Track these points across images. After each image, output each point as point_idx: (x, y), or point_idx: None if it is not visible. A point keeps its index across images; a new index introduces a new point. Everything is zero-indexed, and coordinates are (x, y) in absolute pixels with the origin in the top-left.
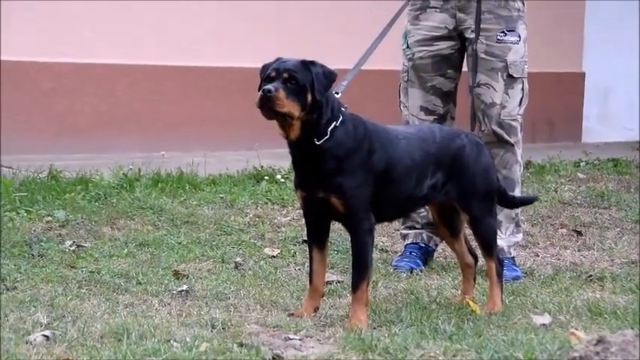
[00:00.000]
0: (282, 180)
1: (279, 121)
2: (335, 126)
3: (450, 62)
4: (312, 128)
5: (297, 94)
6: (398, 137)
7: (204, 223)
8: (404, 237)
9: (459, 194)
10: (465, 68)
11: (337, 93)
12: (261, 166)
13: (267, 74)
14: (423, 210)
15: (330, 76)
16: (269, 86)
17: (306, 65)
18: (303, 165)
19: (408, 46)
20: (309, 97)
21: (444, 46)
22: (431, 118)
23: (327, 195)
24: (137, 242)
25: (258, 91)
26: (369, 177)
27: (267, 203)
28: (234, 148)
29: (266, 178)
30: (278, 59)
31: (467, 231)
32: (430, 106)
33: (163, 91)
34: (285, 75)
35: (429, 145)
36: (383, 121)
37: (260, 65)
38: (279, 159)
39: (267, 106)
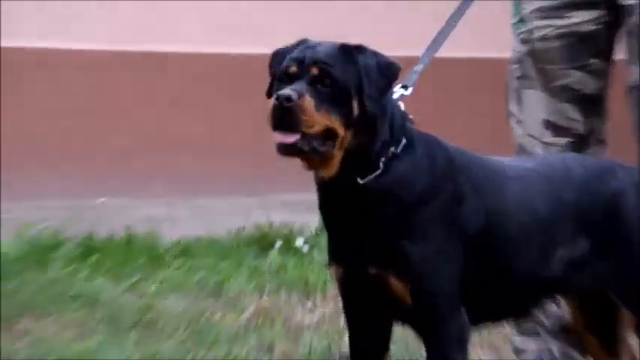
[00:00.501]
0: (306, 248)
1: (316, 154)
2: (393, 154)
3: (595, 45)
4: (358, 159)
5: (337, 103)
6: (506, 175)
7: (171, 324)
8: (518, 352)
9: (618, 277)
10: (620, 55)
11: (404, 88)
12: (270, 224)
13: (285, 69)
14: (553, 305)
15: (389, 71)
16: (287, 90)
17: (350, 53)
18: (342, 221)
19: (521, 20)
20: (356, 108)
21: (583, 19)
22: (563, 140)
23: (382, 273)
24: None
25: (268, 96)
26: (455, 243)
27: (278, 290)
28: (224, 191)
29: (278, 244)
30: (302, 42)
31: (633, 340)
32: (561, 121)
33: (101, 88)
34: (315, 70)
35: (561, 190)
36: (475, 147)
37: (270, 51)
38: (300, 211)
39: (286, 123)
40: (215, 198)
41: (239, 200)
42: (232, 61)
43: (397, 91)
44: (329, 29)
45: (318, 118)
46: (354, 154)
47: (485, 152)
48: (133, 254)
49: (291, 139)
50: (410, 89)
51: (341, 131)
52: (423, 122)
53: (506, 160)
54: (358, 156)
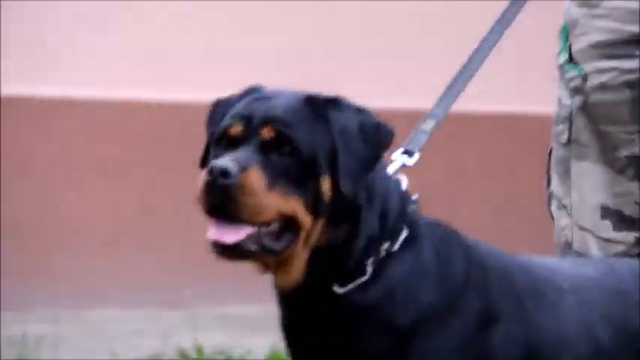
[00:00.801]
0: None
1: (269, 253)
2: (388, 252)
3: None
4: (332, 259)
5: (299, 180)
6: (559, 286)
7: None
8: None
9: None
10: None
11: (407, 155)
12: (199, 348)
13: (225, 129)
14: None
15: (378, 136)
16: (224, 160)
17: (320, 109)
18: (314, 349)
19: (571, 60)
20: (327, 189)
21: None
22: (630, 236)
23: None
24: None
25: (201, 166)
26: None
27: None
28: (133, 300)
29: None
30: (251, 91)
31: None
32: (628, 208)
33: None
34: (268, 133)
35: (632, 311)
36: (503, 241)
37: (208, 101)
38: (243, 330)
39: (223, 209)
40: (119, 309)
41: (154, 313)
42: (147, 111)
43: (397, 159)
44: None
45: (269, 201)
46: (327, 252)
47: (517, 250)
48: None
49: (232, 237)
50: (416, 156)
51: (306, 220)
52: (433, 205)
53: (557, 264)
54: (333, 255)
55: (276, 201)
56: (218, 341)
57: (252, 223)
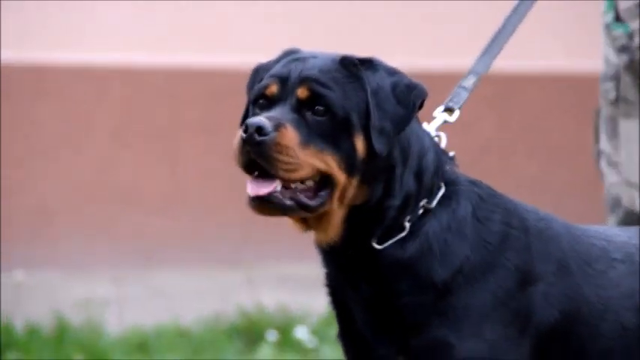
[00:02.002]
0: (312, 341)
1: (309, 210)
2: (425, 209)
3: None
4: (370, 217)
5: (333, 139)
6: (609, 255)
7: None
8: None
9: None
10: None
11: (448, 112)
12: (260, 307)
13: (262, 89)
14: None
15: (410, 96)
16: (260, 118)
17: (354, 69)
18: (355, 301)
19: (618, 18)
20: (361, 147)
21: None
22: None
23: None
24: None
25: (241, 125)
26: (520, 341)
27: None
28: (194, 262)
29: (271, 336)
30: (288, 53)
31: None
32: None
33: (13, 119)
34: (303, 92)
35: None
36: (550, 199)
37: (250, 65)
38: (301, 288)
39: (259, 165)
40: (181, 271)
41: (215, 274)
42: (202, 76)
43: (438, 116)
44: (340, 32)
45: (304, 158)
46: (364, 210)
47: (565, 207)
48: (67, 352)
49: (265, 189)
50: (456, 114)
51: (340, 177)
52: (474, 163)
53: (614, 234)
54: (369, 213)
55: (311, 158)
56: (277, 300)
57: (287, 180)
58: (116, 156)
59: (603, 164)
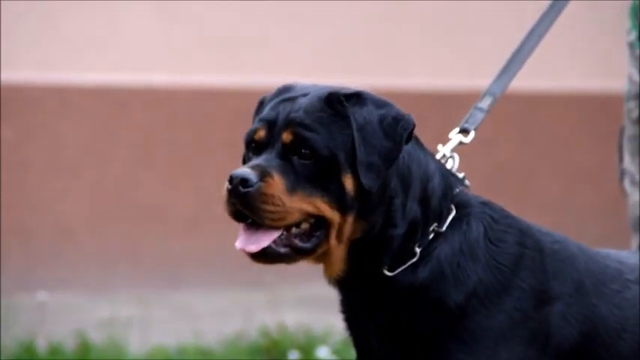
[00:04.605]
0: None
1: (304, 254)
2: (436, 233)
3: None
4: (374, 247)
5: (320, 181)
6: (624, 277)
7: None
8: None
9: None
10: None
11: (463, 134)
12: (282, 327)
13: (252, 134)
14: None
15: (397, 129)
16: (244, 169)
17: (339, 105)
18: (371, 329)
19: None
20: (350, 185)
21: None
22: None
23: None
24: None
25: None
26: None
27: None
28: (216, 282)
29: (293, 356)
30: (282, 91)
31: None
32: None
33: (36, 136)
34: (288, 137)
35: None
36: (572, 222)
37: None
38: (322, 309)
39: (247, 215)
40: (203, 291)
41: (238, 295)
42: (226, 96)
43: (452, 137)
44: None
45: (291, 204)
46: (365, 242)
47: (588, 228)
48: None
49: (254, 246)
50: (471, 135)
51: (333, 217)
52: (505, 181)
53: (627, 257)
54: (372, 244)
55: (299, 204)
56: (299, 320)
57: (277, 228)
58: (139, 176)
59: (627, 184)
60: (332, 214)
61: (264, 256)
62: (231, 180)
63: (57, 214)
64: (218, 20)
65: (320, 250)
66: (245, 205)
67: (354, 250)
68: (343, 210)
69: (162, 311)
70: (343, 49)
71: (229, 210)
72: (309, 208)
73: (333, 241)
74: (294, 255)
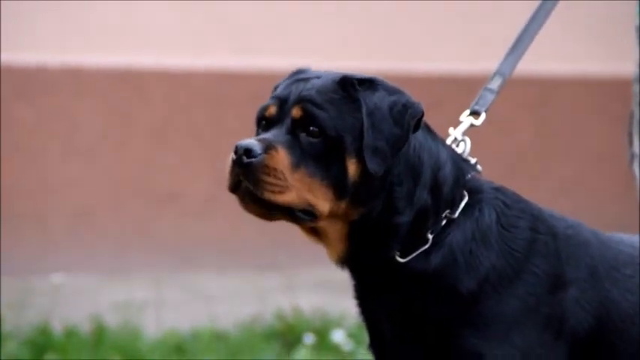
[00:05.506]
0: (348, 344)
1: (294, 222)
2: (448, 219)
3: None
4: (377, 233)
5: (325, 161)
6: (631, 259)
7: None
8: None
9: None
10: None
11: (474, 115)
12: (297, 311)
13: (263, 110)
14: None
15: (406, 116)
16: (250, 140)
17: (351, 89)
18: (384, 314)
19: None
20: (353, 170)
21: None
22: None
23: None
24: None
25: None
26: (554, 345)
27: None
28: (232, 265)
29: (308, 339)
30: (296, 73)
31: None
32: None
33: (53, 119)
34: (297, 113)
35: None
36: (585, 205)
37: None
38: (337, 292)
39: (247, 188)
40: (219, 274)
41: (253, 278)
42: (241, 79)
43: (463, 120)
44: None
45: (292, 181)
46: (366, 226)
47: (602, 211)
48: (104, 354)
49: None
50: (482, 117)
51: (322, 207)
52: (523, 165)
53: (634, 239)
54: (375, 229)
55: (299, 183)
56: (315, 303)
57: (272, 202)
58: (155, 158)
59: (636, 167)
60: (322, 202)
61: (261, 203)
62: (236, 150)
63: (73, 197)
64: (233, 4)
65: (318, 220)
66: (246, 175)
67: (354, 232)
68: (339, 196)
69: (176, 294)
70: (357, 33)
71: (230, 181)
72: (307, 195)
73: (323, 221)
74: (293, 216)
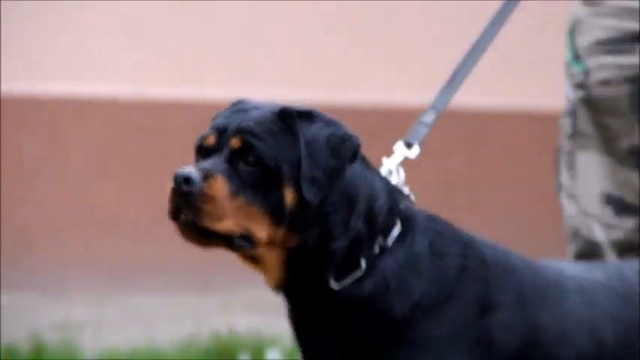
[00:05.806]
0: None
1: (233, 250)
2: (382, 248)
3: None
4: (313, 261)
5: (262, 190)
6: (564, 286)
7: None
8: None
9: None
10: None
11: (407, 147)
12: (232, 331)
13: (202, 140)
14: None
15: (343, 147)
16: (189, 168)
17: (289, 120)
18: (318, 339)
19: (577, 58)
20: (290, 198)
21: None
22: (629, 223)
23: None
24: None
25: None
26: None
27: None
28: (169, 286)
29: (243, 357)
30: (236, 103)
31: None
32: (628, 195)
33: None
34: (236, 142)
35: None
36: (514, 232)
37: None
38: (272, 313)
39: (186, 216)
40: (156, 295)
41: (190, 299)
42: (183, 108)
43: (398, 151)
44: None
45: (230, 209)
46: (302, 253)
47: (533, 240)
48: None
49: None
50: (415, 149)
51: (260, 234)
52: (456, 195)
53: (567, 268)
54: (312, 257)
55: (237, 211)
56: (250, 324)
57: (213, 230)
58: (95, 184)
59: (563, 197)
60: (261, 233)
61: (198, 232)
62: (175, 179)
63: (14, 221)
64: (174, 34)
65: (255, 248)
66: (186, 203)
67: (292, 259)
68: (277, 222)
69: (115, 314)
70: (297, 64)
71: (170, 208)
72: (244, 222)
73: (261, 248)
74: (230, 244)
